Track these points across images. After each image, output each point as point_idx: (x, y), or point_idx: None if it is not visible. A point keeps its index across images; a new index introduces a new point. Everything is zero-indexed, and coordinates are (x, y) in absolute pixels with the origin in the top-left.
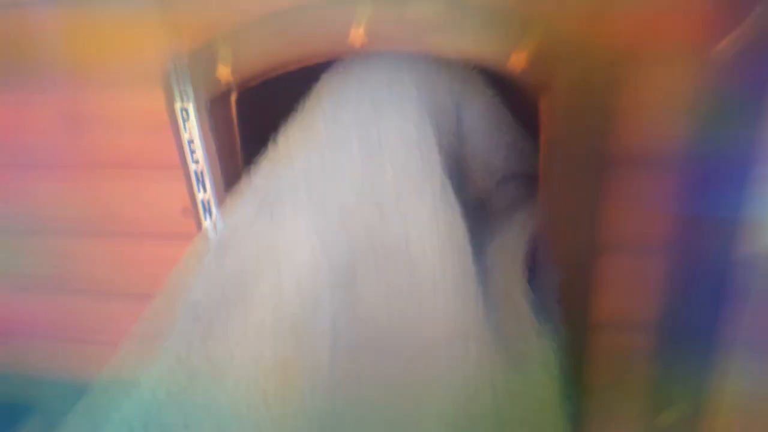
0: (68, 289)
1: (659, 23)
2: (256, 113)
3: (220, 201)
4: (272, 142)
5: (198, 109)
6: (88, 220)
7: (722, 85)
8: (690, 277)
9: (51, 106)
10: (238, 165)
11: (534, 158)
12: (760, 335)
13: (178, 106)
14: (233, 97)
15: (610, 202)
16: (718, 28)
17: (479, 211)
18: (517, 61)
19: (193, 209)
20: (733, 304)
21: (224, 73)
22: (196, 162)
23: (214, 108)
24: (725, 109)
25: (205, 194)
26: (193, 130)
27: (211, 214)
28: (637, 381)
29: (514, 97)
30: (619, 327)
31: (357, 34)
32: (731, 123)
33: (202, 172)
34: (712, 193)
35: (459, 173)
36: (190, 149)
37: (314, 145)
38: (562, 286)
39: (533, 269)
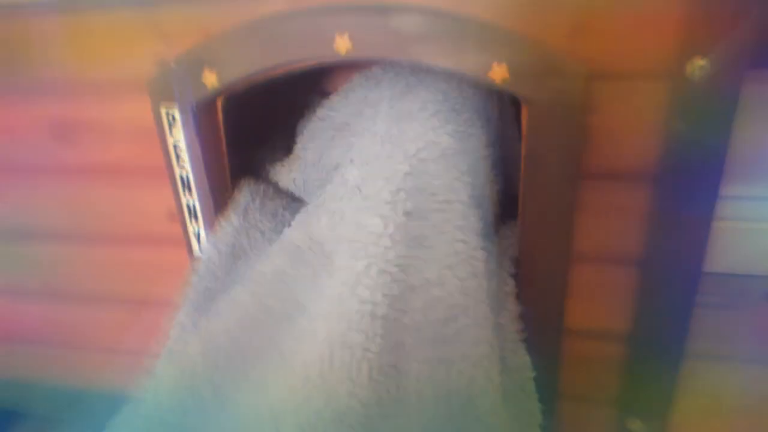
0: (56, 293)
1: (638, 40)
2: (245, 119)
3: (206, 206)
4: (260, 149)
5: (184, 114)
6: (74, 223)
7: (698, 101)
8: (661, 289)
9: (39, 110)
10: (225, 170)
11: None
12: (727, 347)
13: (164, 110)
14: (219, 102)
15: (585, 213)
16: (694, 46)
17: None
18: (497, 72)
19: (178, 214)
20: (701, 316)
21: (210, 77)
22: (182, 166)
23: (200, 112)
24: (700, 125)
25: (190, 198)
26: (179, 135)
27: (197, 219)
28: (608, 389)
29: None
30: (592, 335)
31: (342, 41)
32: (705, 139)
33: (187, 177)
34: (685, 208)
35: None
36: (176, 153)
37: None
38: (537, 295)
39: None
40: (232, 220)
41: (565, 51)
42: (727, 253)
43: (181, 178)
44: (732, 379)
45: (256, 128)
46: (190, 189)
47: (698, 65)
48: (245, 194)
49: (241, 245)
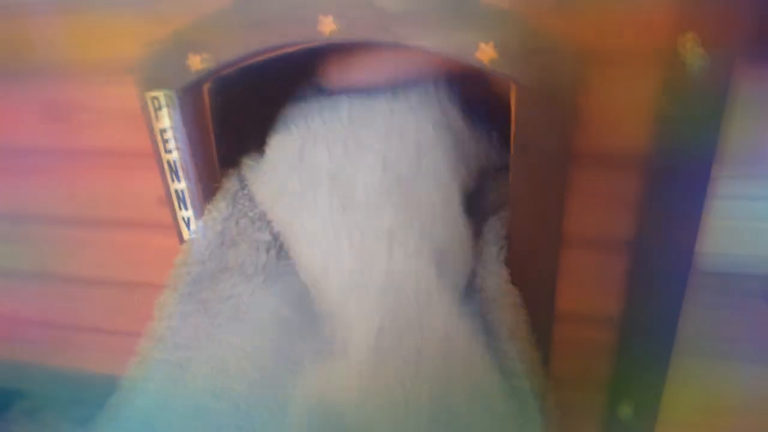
0: (47, 277)
1: (629, 18)
2: (236, 108)
3: (195, 192)
4: (249, 136)
5: (170, 98)
6: (66, 207)
7: (690, 83)
8: (652, 274)
9: (29, 95)
10: (213, 156)
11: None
12: (719, 337)
13: (150, 94)
14: (206, 87)
15: (575, 197)
16: (687, 26)
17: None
18: (485, 52)
19: (167, 199)
20: (694, 306)
21: (195, 61)
22: (170, 152)
23: (186, 97)
24: (692, 109)
25: (179, 184)
26: (165, 119)
27: (185, 204)
28: (599, 375)
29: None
30: (583, 321)
31: (326, 22)
32: (697, 124)
33: (175, 162)
34: (676, 193)
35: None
36: (163, 138)
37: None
38: (527, 279)
39: None
40: (220, 206)
41: (554, 29)
42: (720, 248)
43: (169, 164)
44: (723, 369)
45: (247, 118)
46: (178, 174)
47: (691, 46)
48: (234, 181)
49: (229, 232)
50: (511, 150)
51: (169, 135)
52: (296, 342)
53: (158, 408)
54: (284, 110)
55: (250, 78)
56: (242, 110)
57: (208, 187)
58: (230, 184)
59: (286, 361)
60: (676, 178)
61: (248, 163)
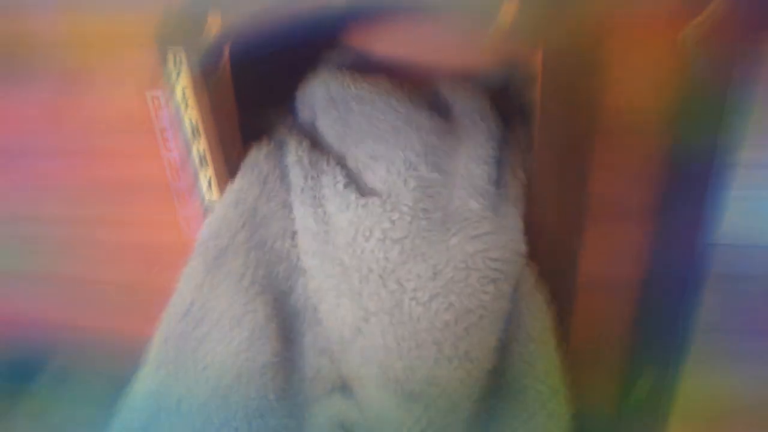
0: (47, 277)
1: None
2: (260, 76)
3: (215, 154)
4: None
5: (189, 57)
6: (66, 209)
7: (714, 49)
8: (675, 241)
9: (27, 97)
10: (233, 117)
11: None
12: (723, 316)
13: (171, 57)
14: (227, 50)
15: (599, 164)
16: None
17: None
18: (508, 11)
19: (189, 161)
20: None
21: (215, 20)
22: (191, 112)
23: (207, 58)
24: (716, 75)
25: (200, 146)
26: (186, 80)
27: (207, 166)
28: (621, 343)
29: None
30: (605, 289)
31: None
32: (722, 91)
33: (197, 123)
34: (698, 160)
35: None
36: (184, 96)
37: None
38: (551, 249)
39: None
40: (252, 182)
41: None
42: (742, 221)
43: (191, 123)
44: (746, 347)
45: (270, 86)
46: (199, 135)
47: (716, 10)
48: (267, 160)
49: (261, 210)
50: (536, 124)
51: (189, 93)
52: (316, 331)
53: (170, 387)
54: (306, 77)
55: (272, 44)
56: (265, 75)
57: (230, 148)
58: (262, 161)
59: (303, 348)
60: (699, 142)
61: (301, 156)
